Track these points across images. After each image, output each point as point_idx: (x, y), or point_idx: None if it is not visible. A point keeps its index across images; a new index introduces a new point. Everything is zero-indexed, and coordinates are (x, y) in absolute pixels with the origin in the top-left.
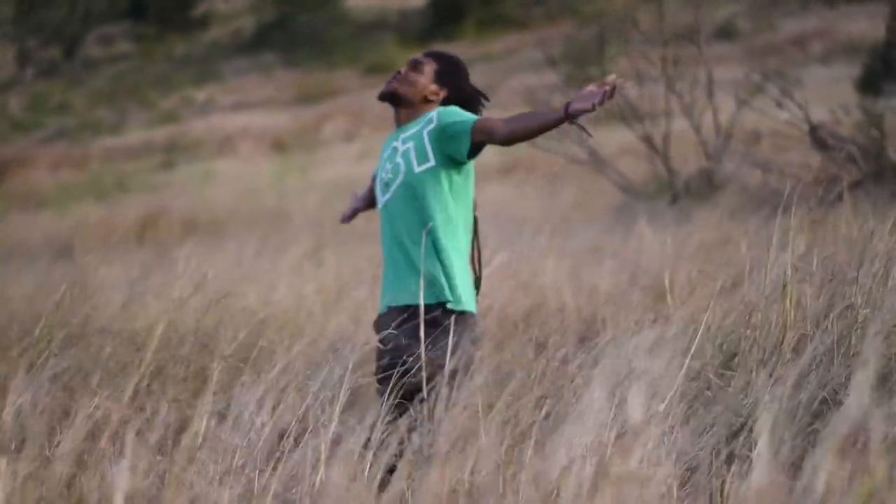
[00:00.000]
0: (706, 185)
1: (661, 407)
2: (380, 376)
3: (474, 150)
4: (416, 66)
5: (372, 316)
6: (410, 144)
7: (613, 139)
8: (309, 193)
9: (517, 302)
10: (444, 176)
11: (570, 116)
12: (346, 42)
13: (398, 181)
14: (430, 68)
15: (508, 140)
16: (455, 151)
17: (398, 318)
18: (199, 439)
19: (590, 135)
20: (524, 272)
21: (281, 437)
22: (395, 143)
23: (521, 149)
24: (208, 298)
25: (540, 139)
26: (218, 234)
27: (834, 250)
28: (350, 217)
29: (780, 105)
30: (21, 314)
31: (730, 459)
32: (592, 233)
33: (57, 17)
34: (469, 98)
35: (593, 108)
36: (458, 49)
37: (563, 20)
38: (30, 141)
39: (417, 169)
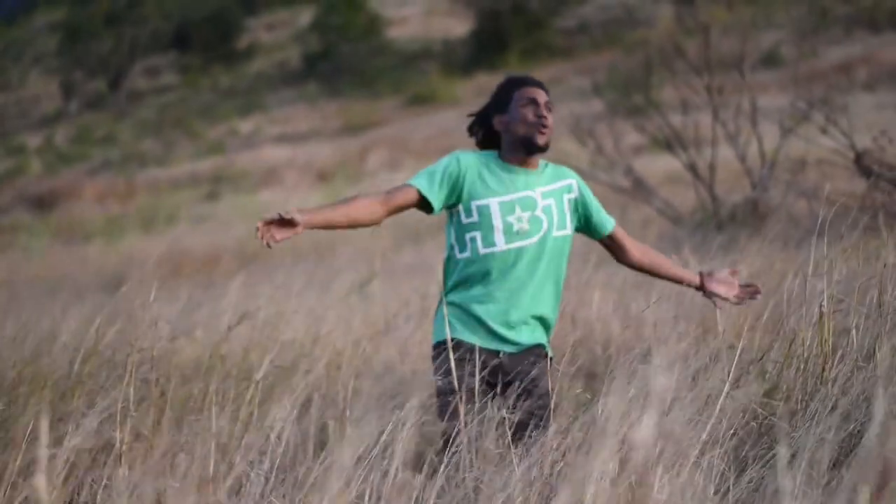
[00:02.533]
0: (752, 214)
1: (704, 435)
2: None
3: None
4: (550, 107)
5: (419, 349)
6: (551, 203)
7: (658, 167)
8: None
9: (564, 334)
10: (570, 241)
11: (702, 289)
12: (390, 72)
13: (536, 237)
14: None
15: (634, 267)
16: (589, 233)
17: (530, 357)
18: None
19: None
20: (570, 304)
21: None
22: (529, 192)
23: None
24: (255, 331)
25: (587, 167)
26: (265, 266)
27: (876, 277)
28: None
29: (825, 132)
30: (66, 349)
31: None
32: None
33: (102, 50)
34: None
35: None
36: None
37: (607, 49)
38: (76, 173)
39: (556, 233)
